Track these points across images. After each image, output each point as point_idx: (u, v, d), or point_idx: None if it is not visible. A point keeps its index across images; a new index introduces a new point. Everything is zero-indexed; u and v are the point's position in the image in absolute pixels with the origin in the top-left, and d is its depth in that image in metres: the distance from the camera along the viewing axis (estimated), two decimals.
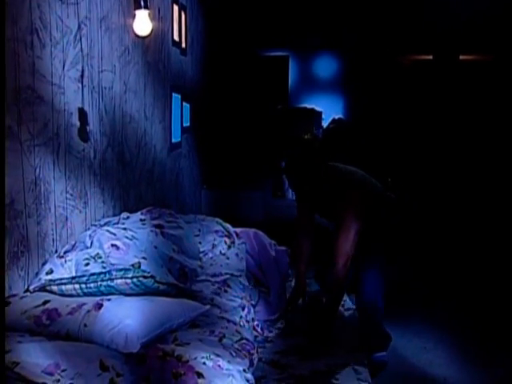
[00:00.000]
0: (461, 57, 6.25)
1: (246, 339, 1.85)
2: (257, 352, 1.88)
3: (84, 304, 1.62)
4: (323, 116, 6.16)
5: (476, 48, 6.10)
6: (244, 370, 1.60)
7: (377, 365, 2.52)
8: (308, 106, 6.11)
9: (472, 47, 6.10)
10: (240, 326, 2.01)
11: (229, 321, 1.98)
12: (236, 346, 1.76)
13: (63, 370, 1.41)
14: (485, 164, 5.95)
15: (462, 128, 6.09)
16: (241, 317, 2.10)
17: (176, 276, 2.14)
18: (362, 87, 6.23)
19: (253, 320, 2.24)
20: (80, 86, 2.35)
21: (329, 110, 6.26)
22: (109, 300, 1.65)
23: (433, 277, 4.37)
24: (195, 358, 1.53)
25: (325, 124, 6.22)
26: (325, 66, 6.50)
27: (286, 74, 6.38)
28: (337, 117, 6.34)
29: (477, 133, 6.05)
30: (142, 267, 1.93)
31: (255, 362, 1.84)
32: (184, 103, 4.17)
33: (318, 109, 6.07)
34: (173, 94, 3.84)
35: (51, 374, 1.39)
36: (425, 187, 6.02)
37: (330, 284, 2.41)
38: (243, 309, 2.15)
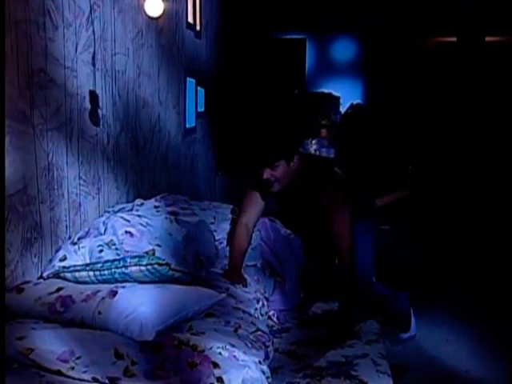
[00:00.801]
0: (487, 38, 6.12)
1: (262, 331, 1.85)
2: (272, 344, 1.88)
3: (98, 291, 1.63)
4: (341, 101, 6.09)
5: (503, 29, 5.97)
6: (259, 362, 1.61)
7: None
8: (325, 90, 6.05)
9: (498, 28, 5.97)
10: (255, 317, 2.01)
11: (244, 311, 1.98)
12: (251, 337, 1.76)
13: (78, 358, 1.42)
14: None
15: (488, 113, 5.99)
16: (256, 309, 2.10)
17: (191, 264, 2.15)
18: (382, 71, 6.16)
19: (266, 314, 2.25)
20: (93, 69, 2.35)
21: (347, 95, 6.18)
22: (123, 287, 1.66)
23: (455, 265, 4.34)
24: (211, 348, 1.54)
25: (343, 110, 6.15)
26: (343, 49, 6.42)
27: (303, 58, 6.32)
28: (355, 102, 6.26)
29: (503, 118, 5.95)
30: (157, 254, 1.93)
31: (271, 354, 1.84)
32: (198, 88, 4.16)
33: (335, 94, 6.01)
34: (187, 79, 3.83)
35: (66, 362, 1.41)
36: (447, 174, 5.95)
37: (341, 273, 2.37)
38: (258, 301, 2.15)
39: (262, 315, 2.15)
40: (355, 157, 5.99)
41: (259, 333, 1.82)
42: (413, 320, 2.71)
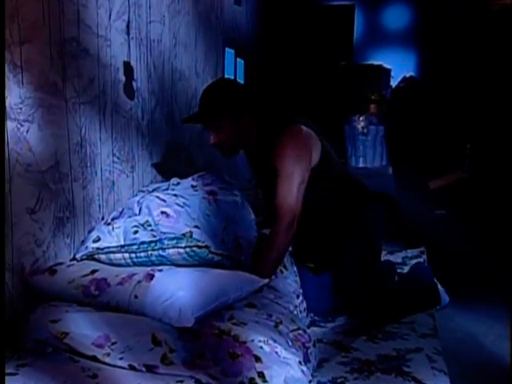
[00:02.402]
0: None
1: (303, 330, 1.84)
2: (313, 346, 1.85)
3: (134, 274, 1.66)
4: (392, 74, 5.98)
5: None
6: (300, 363, 1.60)
7: None
8: (375, 62, 5.96)
9: None
10: (294, 314, 2.00)
11: (284, 307, 1.97)
12: (291, 335, 1.75)
13: (113, 343, 1.45)
14: None
15: None
16: (295, 306, 2.08)
17: (230, 247, 2.15)
18: (440, 40, 5.98)
19: (305, 310, 2.22)
20: (127, 38, 2.36)
21: (399, 66, 6.07)
22: (160, 270, 1.68)
23: None
24: (252, 341, 1.54)
25: (394, 83, 6.04)
26: (396, 16, 6.27)
27: (350, 26, 6.21)
28: (408, 75, 6.15)
29: None
30: (194, 236, 1.94)
31: (311, 358, 1.80)
32: (238, 59, 4.14)
33: (386, 66, 5.91)
34: (226, 49, 3.82)
35: (101, 347, 1.44)
36: (509, 155, 5.77)
37: (266, 248, 2.15)
38: (298, 297, 2.13)
39: (300, 312, 2.13)
40: (406, 135, 5.89)
41: (300, 332, 1.80)
42: (441, 290, 2.60)
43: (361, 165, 5.63)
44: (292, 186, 2.10)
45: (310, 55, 5.88)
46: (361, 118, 5.61)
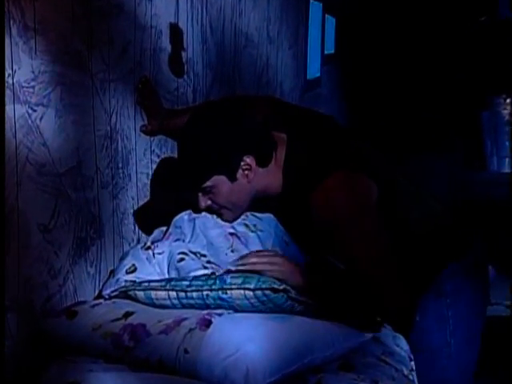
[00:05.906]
0: None
1: None
2: None
3: (184, 319, 1.69)
4: None
5: None
6: None
7: None
8: None
9: None
10: (410, 380, 1.99)
11: (396, 369, 1.95)
12: None
13: None
14: None
15: None
16: (411, 369, 2.06)
17: None
18: None
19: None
20: None
21: None
22: (220, 315, 1.71)
23: None
24: None
25: None
26: None
27: None
28: None
29: None
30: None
31: None
32: (327, 16, 4.16)
33: None
34: (310, 2, 3.85)
35: None
36: None
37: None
38: (410, 359, 2.12)
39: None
40: None
41: None
42: None
43: (506, 169, 5.53)
44: (374, 239, 1.99)
45: (434, 9, 5.84)
46: (507, 101, 5.52)
